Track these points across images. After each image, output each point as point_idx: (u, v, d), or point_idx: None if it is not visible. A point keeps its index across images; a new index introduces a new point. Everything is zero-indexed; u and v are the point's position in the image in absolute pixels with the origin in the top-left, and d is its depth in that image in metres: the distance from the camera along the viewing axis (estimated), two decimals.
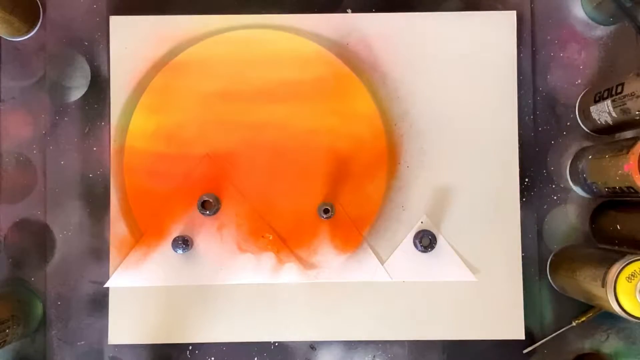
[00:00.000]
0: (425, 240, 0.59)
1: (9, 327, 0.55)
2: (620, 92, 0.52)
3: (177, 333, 0.59)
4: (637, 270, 0.48)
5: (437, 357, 0.60)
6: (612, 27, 0.61)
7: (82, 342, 0.60)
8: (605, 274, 0.49)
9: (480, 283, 0.59)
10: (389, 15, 0.60)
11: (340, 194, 0.60)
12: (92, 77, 0.61)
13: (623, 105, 0.52)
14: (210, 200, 0.58)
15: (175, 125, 0.60)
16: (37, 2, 0.61)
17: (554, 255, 0.60)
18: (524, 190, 0.60)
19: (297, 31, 0.60)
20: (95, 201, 0.60)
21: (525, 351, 0.59)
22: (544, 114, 0.61)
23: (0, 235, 0.60)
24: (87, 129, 0.61)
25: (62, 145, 0.61)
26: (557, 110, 0.61)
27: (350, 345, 0.60)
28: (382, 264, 0.59)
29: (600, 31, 0.61)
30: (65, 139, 0.61)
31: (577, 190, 0.60)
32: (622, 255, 0.49)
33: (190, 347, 0.60)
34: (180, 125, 0.60)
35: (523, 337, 0.59)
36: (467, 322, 0.59)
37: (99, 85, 0.61)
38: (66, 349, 0.60)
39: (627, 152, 0.50)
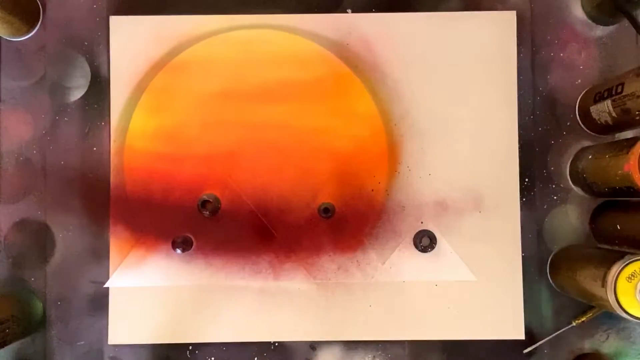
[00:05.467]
0: (425, 240, 0.59)
1: (9, 327, 0.55)
2: (620, 92, 0.52)
3: (177, 333, 0.59)
4: (637, 270, 0.48)
5: (437, 357, 0.60)
6: (612, 27, 0.61)
7: (82, 342, 0.60)
8: (605, 274, 0.49)
9: (480, 283, 0.59)
10: (389, 15, 0.60)
11: (341, 194, 0.60)
12: (92, 77, 0.61)
13: (623, 105, 0.52)
14: (210, 200, 0.58)
15: (176, 125, 0.60)
16: (37, 2, 0.61)
17: (554, 255, 0.60)
18: (524, 190, 0.60)
19: (297, 31, 0.60)
20: (95, 201, 0.60)
21: (525, 351, 0.59)
22: (544, 114, 0.61)
23: (0, 235, 0.60)
24: (87, 129, 0.61)
25: (62, 145, 0.61)
26: (557, 110, 0.61)
27: (350, 345, 0.60)
28: (382, 264, 0.59)
29: (600, 31, 0.61)
30: (65, 139, 0.61)
31: (577, 190, 0.60)
32: (622, 255, 0.49)
33: (190, 347, 0.60)
34: (180, 125, 0.60)
35: (523, 337, 0.59)
36: (467, 322, 0.59)
37: (99, 85, 0.61)
38: (66, 349, 0.60)
39: (627, 152, 0.50)
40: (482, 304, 0.59)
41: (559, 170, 0.61)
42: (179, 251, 0.58)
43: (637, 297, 0.47)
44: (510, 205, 0.60)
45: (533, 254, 0.60)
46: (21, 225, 0.61)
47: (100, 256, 0.60)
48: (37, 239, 0.60)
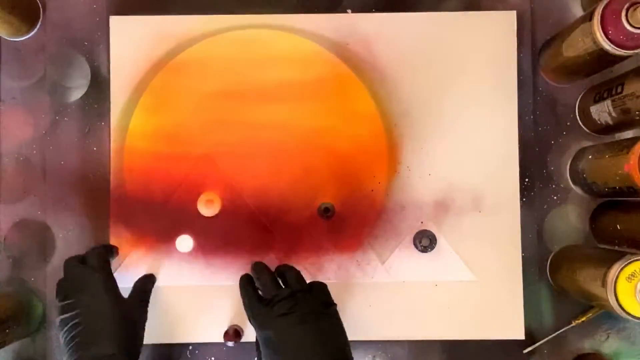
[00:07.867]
0: (425, 240, 0.59)
1: (9, 327, 0.55)
2: (620, 92, 0.52)
3: (177, 333, 0.59)
4: (637, 270, 0.48)
5: (437, 357, 0.60)
6: None
7: None
8: (605, 274, 0.49)
9: (480, 283, 0.59)
10: (389, 15, 0.60)
11: (340, 194, 0.60)
12: (92, 77, 0.61)
13: (623, 105, 0.52)
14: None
15: (175, 125, 0.60)
16: (37, 2, 0.61)
17: (554, 255, 0.60)
18: (524, 190, 0.60)
19: (297, 31, 0.60)
20: (95, 201, 0.60)
21: (525, 351, 0.59)
22: (544, 114, 0.61)
23: (0, 235, 0.60)
24: (87, 129, 0.61)
25: (62, 145, 0.61)
26: (557, 110, 0.61)
27: (350, 346, 0.60)
28: (382, 264, 0.59)
29: None
30: (65, 139, 0.61)
31: (577, 190, 0.60)
32: (622, 255, 0.49)
33: (190, 347, 0.60)
34: (180, 125, 0.60)
35: (523, 337, 0.59)
36: (467, 322, 0.59)
37: (99, 85, 0.61)
38: None
39: (627, 152, 0.50)
40: (482, 304, 0.59)
41: (559, 170, 0.61)
42: (230, 343, 0.57)
43: (637, 297, 0.47)
44: (510, 205, 0.60)
45: (533, 254, 0.60)
46: (21, 225, 0.60)
47: None
48: (37, 239, 0.60)
